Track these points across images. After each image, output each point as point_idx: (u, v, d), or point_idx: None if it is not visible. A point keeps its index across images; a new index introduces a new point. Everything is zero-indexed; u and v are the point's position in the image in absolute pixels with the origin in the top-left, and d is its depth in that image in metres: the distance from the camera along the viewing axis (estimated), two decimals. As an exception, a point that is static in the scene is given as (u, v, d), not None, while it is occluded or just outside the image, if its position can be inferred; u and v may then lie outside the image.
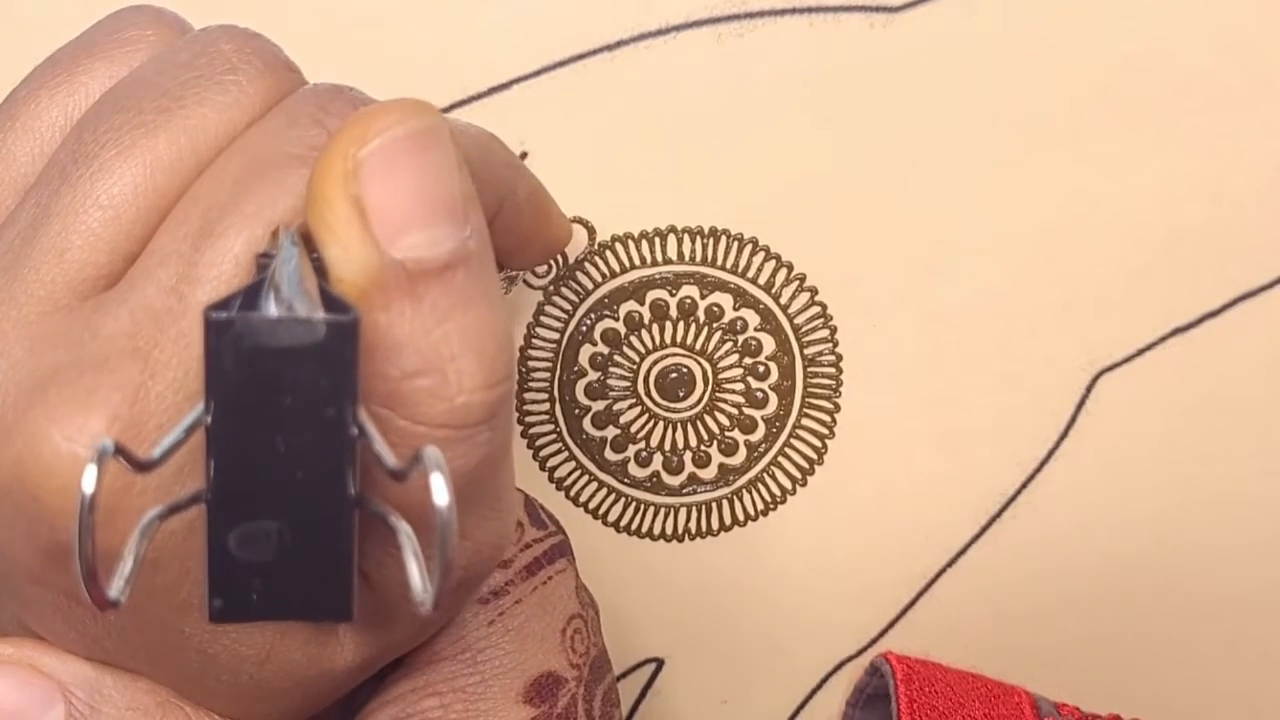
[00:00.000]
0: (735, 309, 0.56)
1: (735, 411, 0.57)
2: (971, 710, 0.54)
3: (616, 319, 0.56)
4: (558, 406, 0.57)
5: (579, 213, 0.54)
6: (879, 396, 0.57)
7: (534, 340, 0.56)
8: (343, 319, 0.29)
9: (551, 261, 0.55)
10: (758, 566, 0.58)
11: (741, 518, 0.58)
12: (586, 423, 0.57)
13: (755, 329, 0.56)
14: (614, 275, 0.55)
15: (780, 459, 0.57)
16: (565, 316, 0.56)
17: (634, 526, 0.58)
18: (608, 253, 0.55)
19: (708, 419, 0.57)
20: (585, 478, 0.57)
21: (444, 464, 0.29)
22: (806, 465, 0.57)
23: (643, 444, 0.57)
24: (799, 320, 0.56)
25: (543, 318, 0.56)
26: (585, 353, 0.56)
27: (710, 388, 0.57)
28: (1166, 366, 0.56)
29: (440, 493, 0.29)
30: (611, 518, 0.58)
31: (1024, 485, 0.57)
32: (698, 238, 0.55)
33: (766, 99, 0.54)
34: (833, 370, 0.56)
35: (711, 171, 0.54)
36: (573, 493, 0.58)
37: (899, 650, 0.58)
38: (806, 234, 0.55)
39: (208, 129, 0.35)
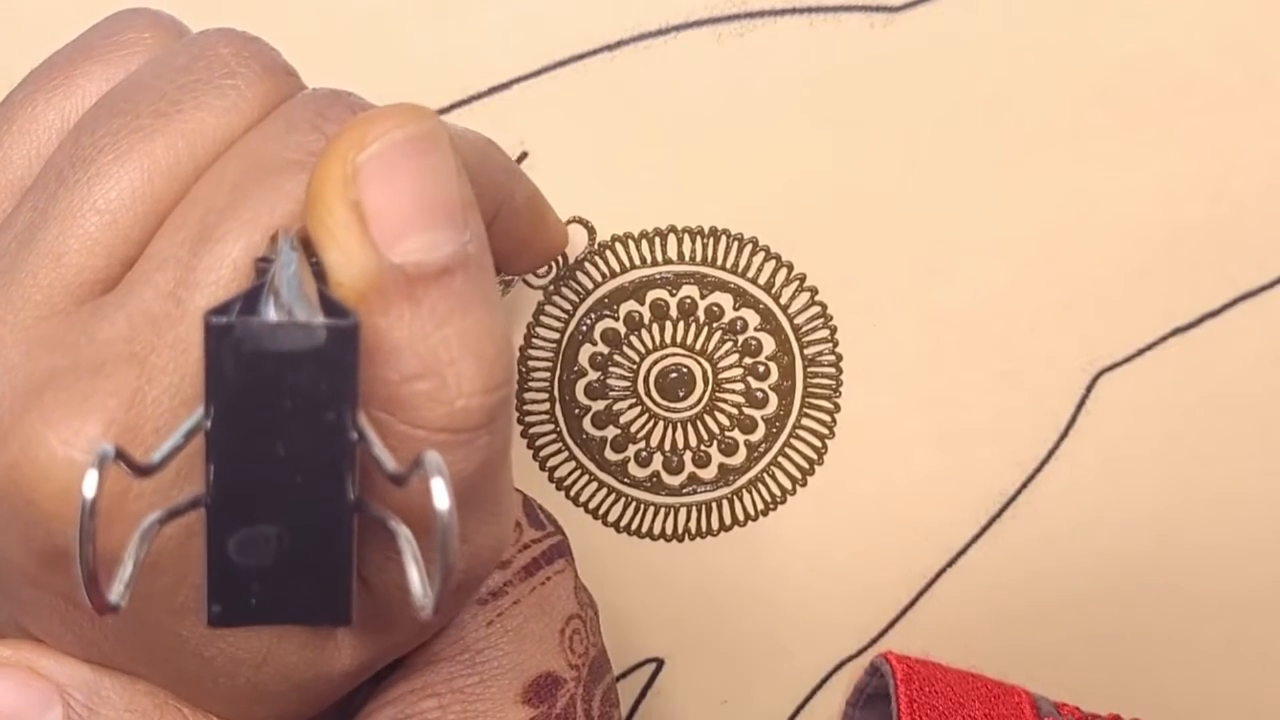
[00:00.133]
0: (735, 309, 0.56)
1: (735, 411, 0.57)
2: (971, 710, 0.54)
3: (616, 319, 0.56)
4: (558, 406, 0.57)
5: (579, 213, 0.54)
6: (879, 396, 0.57)
7: (534, 340, 0.56)
8: (342, 324, 0.29)
9: (551, 261, 0.55)
10: (758, 566, 0.58)
11: (741, 518, 0.58)
12: (586, 423, 0.57)
13: (755, 329, 0.56)
14: (614, 275, 0.55)
15: (780, 459, 0.57)
16: (565, 316, 0.56)
17: (634, 526, 0.58)
18: (608, 253, 0.55)
19: (708, 419, 0.57)
20: (585, 477, 0.57)
21: (444, 469, 0.29)
22: (806, 465, 0.57)
23: (643, 444, 0.57)
24: (799, 320, 0.56)
25: (543, 317, 0.56)
26: (585, 352, 0.56)
27: (710, 388, 0.57)
28: (1166, 366, 0.56)
29: (441, 497, 0.29)
30: (611, 518, 0.58)
31: (1024, 485, 0.57)
32: (698, 238, 0.55)
33: (766, 99, 0.54)
34: (833, 370, 0.56)
35: (711, 171, 0.54)
36: (573, 493, 0.58)
37: (899, 650, 0.58)
38: (806, 234, 0.55)
39: (205, 133, 0.35)
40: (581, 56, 0.53)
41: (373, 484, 0.32)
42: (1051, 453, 0.57)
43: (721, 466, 0.57)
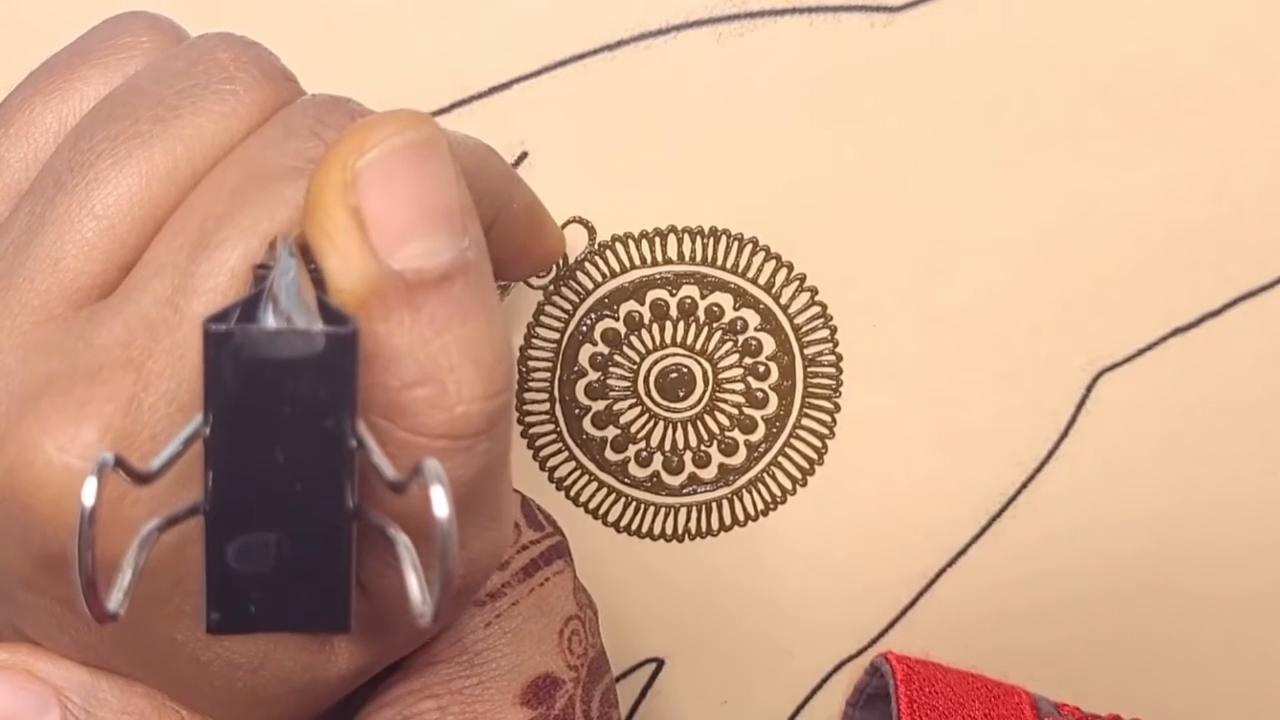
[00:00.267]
0: (735, 309, 0.56)
1: (735, 411, 0.57)
2: (971, 710, 0.54)
3: (617, 319, 0.56)
4: (558, 406, 0.57)
5: (579, 213, 0.54)
6: (879, 396, 0.57)
7: (534, 340, 0.56)
8: (341, 331, 0.29)
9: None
10: (758, 566, 0.58)
11: (741, 518, 0.58)
12: (587, 423, 0.57)
13: (755, 329, 0.56)
14: (614, 275, 0.55)
15: (780, 459, 0.57)
16: (565, 316, 0.56)
17: (634, 526, 0.58)
18: (608, 253, 0.55)
19: (708, 419, 0.57)
20: (585, 478, 0.57)
21: (444, 476, 0.29)
22: (806, 465, 0.57)
23: (643, 444, 0.57)
24: (799, 320, 0.56)
25: (543, 318, 0.56)
26: (585, 353, 0.56)
27: (710, 388, 0.57)
28: (1166, 366, 0.56)
29: (440, 505, 0.29)
30: (612, 518, 0.58)
31: (1024, 485, 0.57)
32: (698, 238, 0.55)
33: (766, 99, 0.54)
34: (833, 370, 0.56)
35: (711, 171, 0.54)
36: (573, 493, 0.58)
37: (899, 650, 0.58)
38: (806, 234, 0.55)
39: (204, 139, 0.35)
40: (582, 56, 0.53)
41: (372, 491, 0.32)
42: (1051, 453, 0.57)
43: (721, 466, 0.57)
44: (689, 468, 0.57)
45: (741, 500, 0.58)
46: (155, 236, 0.34)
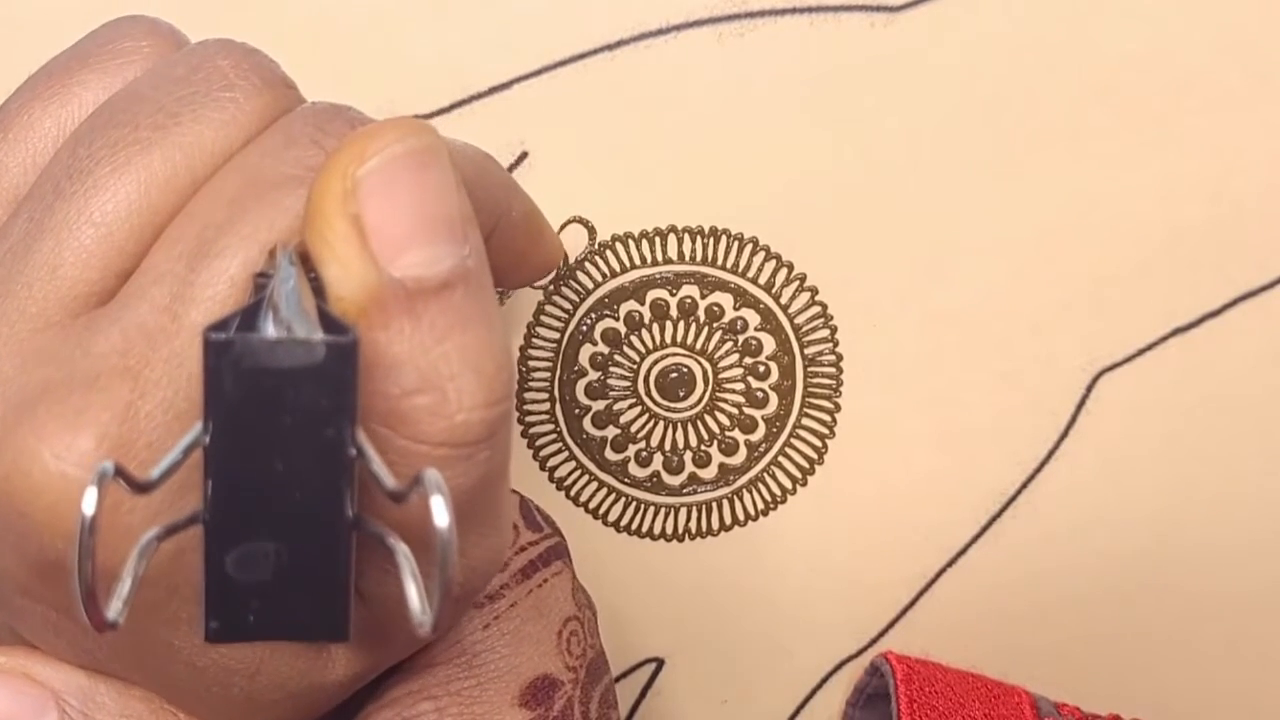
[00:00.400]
0: (735, 309, 0.56)
1: (735, 411, 0.57)
2: (971, 710, 0.54)
3: (617, 318, 0.56)
4: (558, 406, 0.57)
5: (579, 213, 0.54)
6: (879, 396, 0.57)
7: (534, 340, 0.56)
8: (342, 340, 0.29)
9: (548, 268, 0.55)
10: (758, 566, 0.58)
11: (741, 518, 0.58)
12: (587, 422, 0.57)
13: (755, 329, 0.56)
14: (614, 275, 0.55)
15: (780, 459, 0.57)
16: (565, 316, 0.56)
17: (634, 526, 0.58)
18: (608, 252, 0.55)
19: (708, 419, 0.57)
20: (585, 477, 0.57)
21: (444, 486, 0.29)
22: (806, 465, 0.57)
23: (643, 444, 0.57)
24: (799, 320, 0.56)
25: (543, 317, 0.56)
26: (585, 352, 0.56)
27: (710, 387, 0.57)
28: (1166, 366, 0.56)
29: (441, 515, 0.29)
30: (612, 517, 0.58)
31: (1024, 485, 0.57)
32: (698, 237, 0.55)
33: (767, 99, 0.53)
34: (833, 370, 0.56)
35: (711, 171, 0.54)
36: (573, 492, 0.58)
37: (899, 650, 0.58)
38: (806, 234, 0.55)
39: (204, 147, 0.35)
40: (582, 56, 0.53)
41: (371, 499, 0.32)
42: (1051, 453, 0.57)
43: (722, 466, 0.57)
44: (689, 467, 0.57)
45: (741, 500, 0.58)
46: (154, 244, 0.34)
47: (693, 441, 0.57)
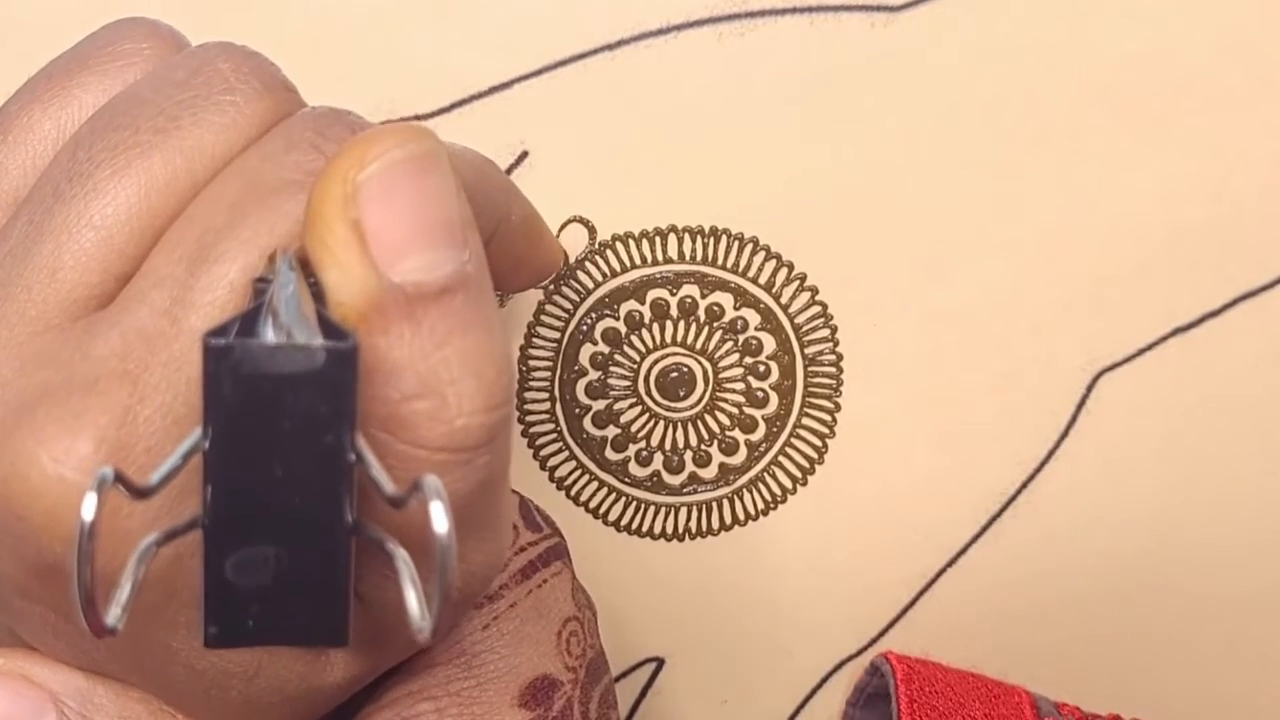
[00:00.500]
0: (736, 308, 0.56)
1: (736, 411, 0.57)
2: (971, 710, 0.54)
3: (617, 318, 0.56)
4: (558, 406, 0.57)
5: (579, 212, 0.54)
6: (879, 396, 0.57)
7: (534, 339, 0.56)
8: (342, 346, 0.29)
9: (547, 268, 0.55)
10: (758, 566, 0.58)
11: (742, 517, 0.58)
12: (587, 422, 0.57)
13: (756, 328, 0.56)
14: (614, 274, 0.55)
15: (780, 458, 0.57)
16: (566, 316, 0.56)
17: (634, 526, 0.58)
18: (608, 252, 0.55)
19: (708, 418, 0.57)
20: (586, 477, 0.57)
21: (444, 492, 0.29)
22: (807, 465, 0.57)
23: (643, 443, 0.57)
24: (799, 320, 0.56)
25: (543, 317, 0.56)
26: (586, 352, 0.56)
27: (711, 387, 0.57)
28: (1167, 366, 0.56)
29: (440, 521, 0.29)
30: (612, 517, 0.58)
31: (1024, 485, 0.57)
32: (698, 237, 0.55)
33: (767, 99, 0.53)
34: (833, 370, 0.56)
35: (711, 171, 0.54)
36: (573, 492, 0.58)
37: (899, 650, 0.58)
38: (806, 234, 0.55)
39: (204, 150, 0.35)
40: (582, 56, 0.53)
41: (370, 504, 0.32)
42: (1051, 453, 0.57)
43: (722, 466, 0.57)
44: (689, 467, 0.57)
45: (741, 500, 0.58)
46: (154, 248, 0.34)
47: (693, 441, 0.57)
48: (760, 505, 0.58)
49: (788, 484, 0.57)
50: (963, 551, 0.58)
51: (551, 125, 0.53)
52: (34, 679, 0.37)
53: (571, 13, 0.53)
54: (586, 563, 0.51)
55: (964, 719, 0.54)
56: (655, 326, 0.56)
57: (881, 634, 0.59)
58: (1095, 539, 0.58)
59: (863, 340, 0.56)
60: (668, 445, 0.57)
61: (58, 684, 0.37)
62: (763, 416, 0.57)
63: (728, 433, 0.57)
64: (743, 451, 0.57)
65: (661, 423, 0.57)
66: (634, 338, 0.56)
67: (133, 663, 0.36)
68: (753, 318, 0.56)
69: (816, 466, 0.57)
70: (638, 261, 0.55)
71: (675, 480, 0.57)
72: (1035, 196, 0.55)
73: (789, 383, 0.57)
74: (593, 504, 0.58)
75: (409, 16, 0.52)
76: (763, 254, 0.55)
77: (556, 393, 0.57)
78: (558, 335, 0.56)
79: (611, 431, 0.57)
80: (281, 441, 0.30)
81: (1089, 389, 0.57)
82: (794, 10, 0.53)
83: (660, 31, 0.53)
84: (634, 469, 0.57)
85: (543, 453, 0.57)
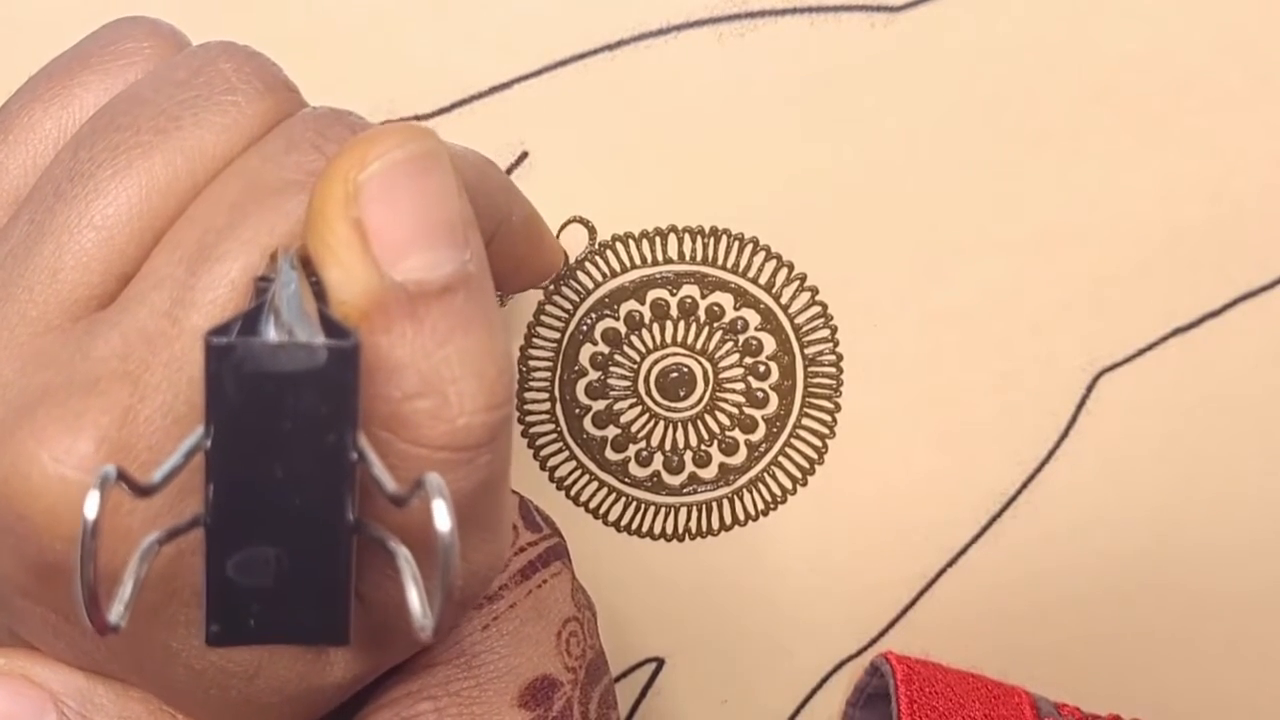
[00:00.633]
0: (736, 309, 0.56)
1: (736, 411, 0.57)
2: (971, 710, 0.54)
3: (617, 318, 0.56)
4: (558, 406, 0.57)
5: (579, 212, 0.54)
6: (879, 396, 0.57)
7: (534, 339, 0.56)
8: (344, 344, 0.29)
9: (547, 269, 0.55)
10: (758, 566, 0.58)
11: (742, 517, 0.58)
12: (587, 422, 0.57)
13: (756, 329, 0.56)
14: (614, 275, 0.55)
15: (780, 459, 0.57)
16: (566, 316, 0.56)
17: (634, 526, 0.58)
18: (608, 252, 0.55)
19: (708, 418, 0.57)
20: (586, 477, 0.57)
21: (446, 490, 0.29)
22: (807, 465, 0.57)
23: (643, 443, 0.57)
24: (799, 320, 0.56)
25: (543, 317, 0.56)
26: (586, 352, 0.56)
27: (711, 387, 0.57)
28: (1167, 366, 0.56)
29: (442, 519, 0.29)
30: (612, 517, 0.58)
31: (1024, 485, 0.57)
32: (698, 237, 0.55)
33: (767, 99, 0.53)
34: (833, 370, 0.56)
35: (711, 171, 0.54)
36: (573, 492, 0.58)
37: (899, 650, 0.58)
38: (806, 234, 0.55)
39: (205, 151, 0.35)
40: (582, 56, 0.53)
41: (372, 503, 0.32)
42: (1051, 453, 0.57)
43: (722, 466, 0.57)
44: (689, 467, 0.57)
45: (741, 500, 0.58)
46: (155, 248, 0.34)
47: (693, 441, 0.57)
48: (760, 505, 0.58)
49: (788, 484, 0.57)
50: (963, 551, 0.58)
51: (551, 125, 0.53)
52: (34, 679, 0.37)
53: (571, 13, 0.53)
54: (586, 563, 0.51)
55: (964, 719, 0.54)
56: (655, 327, 0.56)
57: (881, 634, 0.59)
58: (1095, 539, 0.58)
59: (863, 340, 0.56)
60: (668, 445, 0.57)
61: (58, 684, 0.37)
62: (763, 417, 0.57)
63: (728, 433, 0.57)
64: (743, 452, 0.57)
65: (661, 423, 0.57)
66: (634, 338, 0.56)
67: (133, 662, 0.36)
68: (753, 318, 0.56)
69: (816, 466, 0.57)
70: (638, 261, 0.55)
71: (675, 480, 0.57)
72: (1035, 196, 0.55)
73: (789, 383, 0.57)
74: (593, 504, 0.58)
75: (409, 16, 0.52)
76: (763, 254, 0.55)
77: (556, 393, 0.57)
78: (558, 335, 0.56)
79: (611, 432, 0.57)
80: (283, 440, 0.30)
81: (1089, 389, 0.57)
82: (794, 10, 0.53)
83: (660, 31, 0.53)
84: (634, 469, 0.57)
85: (543, 453, 0.57)
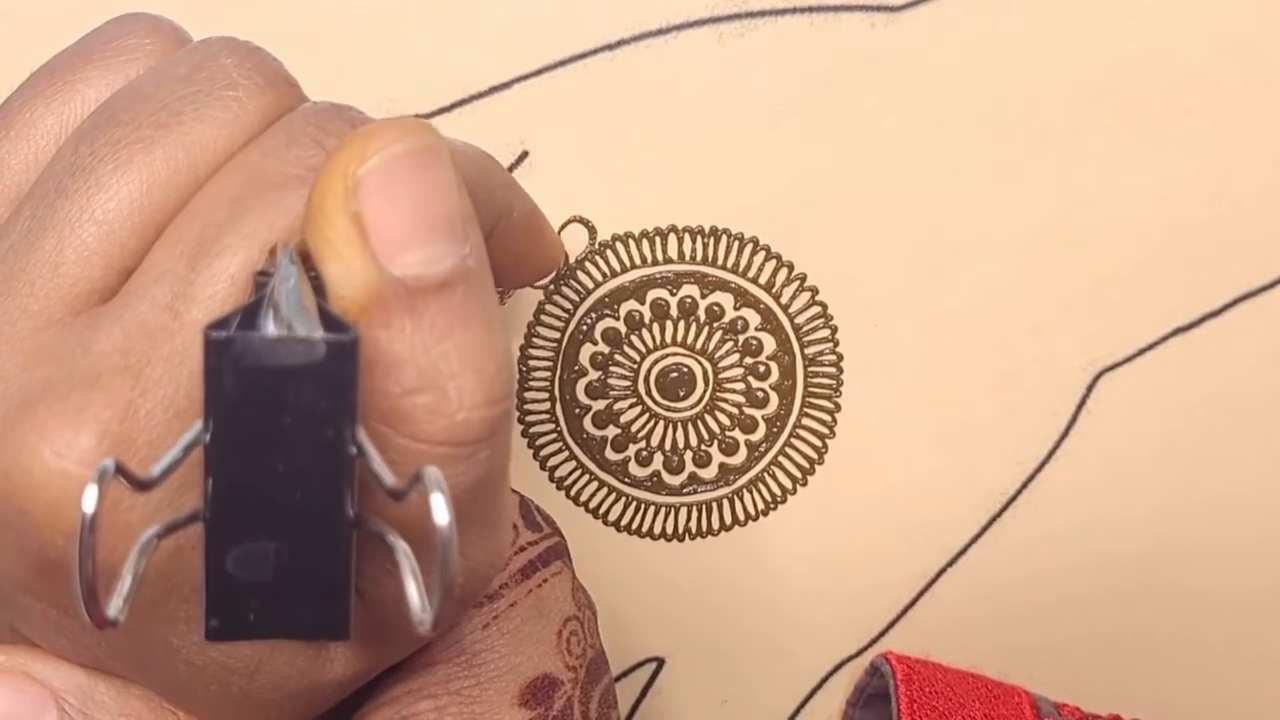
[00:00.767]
0: (736, 308, 0.56)
1: (736, 411, 0.57)
2: (971, 710, 0.54)
3: (617, 318, 0.56)
4: (558, 405, 0.57)
5: (579, 212, 0.54)
6: (879, 396, 0.57)
7: (534, 339, 0.56)
8: (342, 338, 0.29)
9: (548, 268, 0.55)
10: (758, 566, 0.58)
11: (742, 517, 0.58)
12: (587, 422, 0.57)
13: (756, 328, 0.56)
14: (614, 274, 0.55)
15: (780, 459, 0.57)
16: (566, 315, 0.56)
17: (634, 526, 0.58)
18: (608, 252, 0.55)
19: (708, 418, 0.57)
20: (586, 477, 0.57)
21: (444, 484, 0.29)
22: (806, 465, 0.57)
23: (643, 443, 0.57)
24: (799, 320, 0.56)
25: (543, 317, 0.56)
26: (586, 352, 0.56)
27: (711, 387, 0.57)
28: (1167, 366, 0.56)
29: (441, 513, 0.29)
30: (612, 517, 0.58)
31: (1024, 485, 0.57)
32: (698, 237, 0.55)
33: (767, 99, 0.53)
34: (833, 370, 0.56)
35: (711, 171, 0.54)
36: (573, 492, 0.58)
37: (899, 650, 0.58)
38: (806, 234, 0.55)
39: (206, 146, 0.35)
40: (582, 56, 0.53)
41: (371, 498, 0.32)
42: (1051, 453, 0.57)
43: (722, 466, 0.57)
44: (689, 467, 0.57)
45: (741, 500, 0.58)
46: (155, 242, 0.34)
47: (693, 441, 0.57)
48: (760, 505, 0.58)
49: (788, 484, 0.57)
50: (963, 551, 0.58)
51: (551, 125, 0.53)
52: (35, 676, 0.37)
53: (571, 13, 0.53)
54: (586, 563, 0.51)
55: (964, 719, 0.54)
56: (655, 326, 0.56)
57: (881, 634, 0.59)
58: (1095, 539, 0.58)
59: (863, 340, 0.56)
60: (668, 445, 0.57)
61: (59, 681, 0.37)
62: (763, 416, 0.57)
63: (728, 433, 0.57)
64: (743, 451, 0.57)
65: (661, 423, 0.57)
66: (634, 338, 0.56)
67: (134, 659, 0.36)
68: (753, 318, 0.56)
69: (816, 466, 0.57)
70: (638, 261, 0.55)
71: (675, 480, 0.57)
72: (1035, 196, 0.55)
73: (789, 383, 0.57)
74: (593, 504, 0.58)
75: (409, 16, 0.52)
76: (763, 254, 0.55)
77: (556, 393, 0.57)
78: (558, 335, 0.56)
79: (611, 431, 0.57)
80: (282, 434, 0.30)
81: (1089, 389, 0.57)
82: (794, 10, 0.53)
83: (660, 31, 0.53)
84: (634, 469, 0.57)
85: (543, 453, 0.57)
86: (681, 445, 0.57)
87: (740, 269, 0.55)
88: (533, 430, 0.57)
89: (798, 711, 0.60)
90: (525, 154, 0.53)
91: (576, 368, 0.56)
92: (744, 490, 0.58)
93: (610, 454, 0.57)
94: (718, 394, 0.57)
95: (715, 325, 0.56)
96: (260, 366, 0.29)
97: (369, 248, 0.31)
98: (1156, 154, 0.54)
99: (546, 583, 0.46)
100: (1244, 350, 0.56)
